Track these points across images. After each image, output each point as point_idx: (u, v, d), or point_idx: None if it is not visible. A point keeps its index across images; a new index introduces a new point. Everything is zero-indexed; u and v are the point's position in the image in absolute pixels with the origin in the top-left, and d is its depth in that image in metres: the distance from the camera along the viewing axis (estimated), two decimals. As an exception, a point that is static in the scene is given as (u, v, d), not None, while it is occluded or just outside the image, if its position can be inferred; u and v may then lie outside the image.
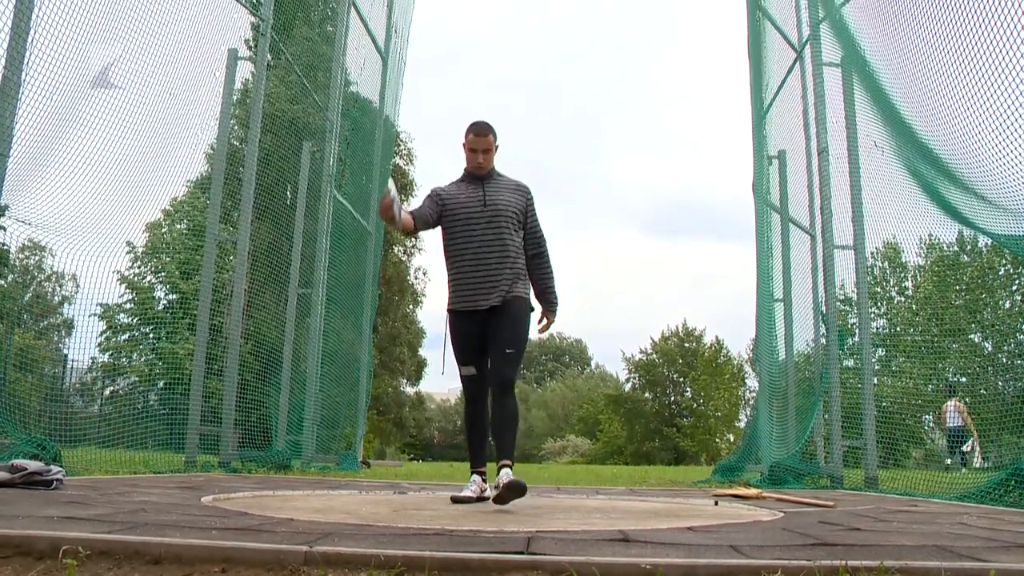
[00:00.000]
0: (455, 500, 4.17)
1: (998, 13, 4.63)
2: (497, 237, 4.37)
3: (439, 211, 4.47)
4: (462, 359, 4.46)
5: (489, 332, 4.36)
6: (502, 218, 4.40)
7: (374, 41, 11.92)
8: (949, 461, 10.07)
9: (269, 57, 8.75)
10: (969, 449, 10.44)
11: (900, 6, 6.08)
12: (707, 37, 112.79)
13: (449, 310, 4.50)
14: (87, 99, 6.16)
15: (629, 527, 2.88)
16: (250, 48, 8.95)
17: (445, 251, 4.49)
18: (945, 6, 5.25)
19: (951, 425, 10.50)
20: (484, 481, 4.34)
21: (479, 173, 4.51)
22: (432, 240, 41.92)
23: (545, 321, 4.66)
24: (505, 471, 4.04)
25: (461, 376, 4.47)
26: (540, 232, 4.64)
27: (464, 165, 4.56)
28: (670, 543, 2.36)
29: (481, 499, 4.23)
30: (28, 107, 5.36)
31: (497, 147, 4.53)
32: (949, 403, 10.44)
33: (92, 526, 2.31)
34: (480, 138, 4.45)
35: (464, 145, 4.50)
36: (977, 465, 10.10)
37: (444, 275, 4.58)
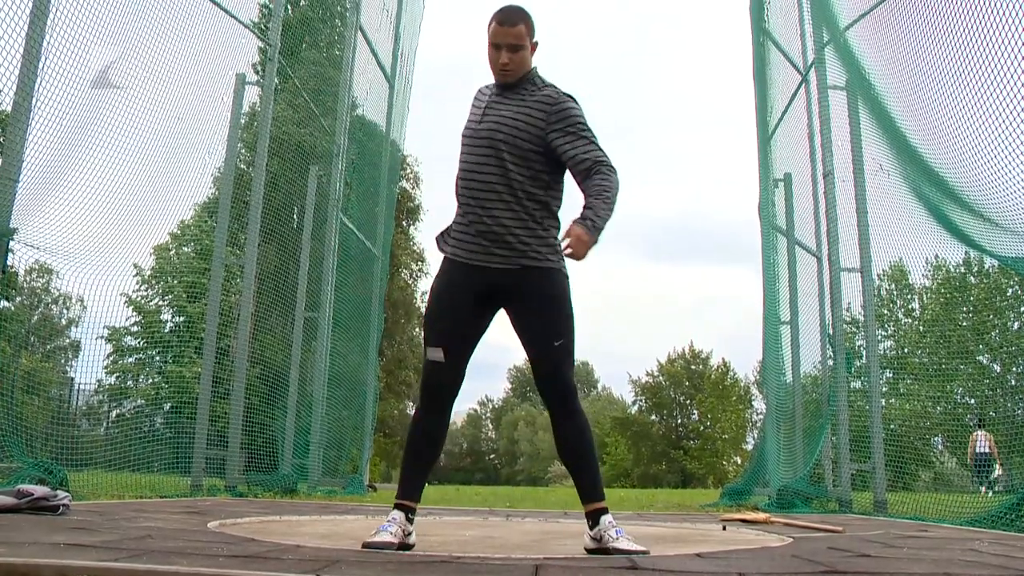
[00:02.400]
0: (367, 546, 2.78)
1: (1002, 35, 4.64)
2: (497, 172, 3.03)
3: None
4: (434, 334, 3.07)
5: (516, 321, 3.09)
6: (497, 144, 3.04)
7: (380, 65, 11.99)
8: (984, 489, 10.41)
9: (277, 81, 8.82)
10: (996, 476, 10.79)
11: (903, 30, 6.11)
12: (711, 60, 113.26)
13: (446, 256, 3.16)
14: (96, 123, 6.21)
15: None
16: (257, 73, 9.02)
17: None
18: (949, 29, 5.28)
19: (979, 451, 10.77)
20: (410, 521, 2.97)
21: (505, 80, 3.12)
22: (437, 264, 41.79)
23: (571, 238, 2.92)
24: (608, 521, 2.94)
25: (425, 361, 3.08)
26: (589, 157, 3.03)
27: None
28: (678, 571, 2.34)
29: (403, 546, 2.86)
30: (38, 132, 5.41)
31: (535, 45, 3.13)
32: (979, 432, 10.70)
33: (98, 553, 2.30)
34: (505, 29, 3.05)
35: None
36: (999, 490, 10.39)
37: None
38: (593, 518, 2.98)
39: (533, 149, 3.04)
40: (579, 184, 3.08)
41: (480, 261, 3.05)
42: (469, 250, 3.07)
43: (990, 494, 9.89)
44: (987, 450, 10.85)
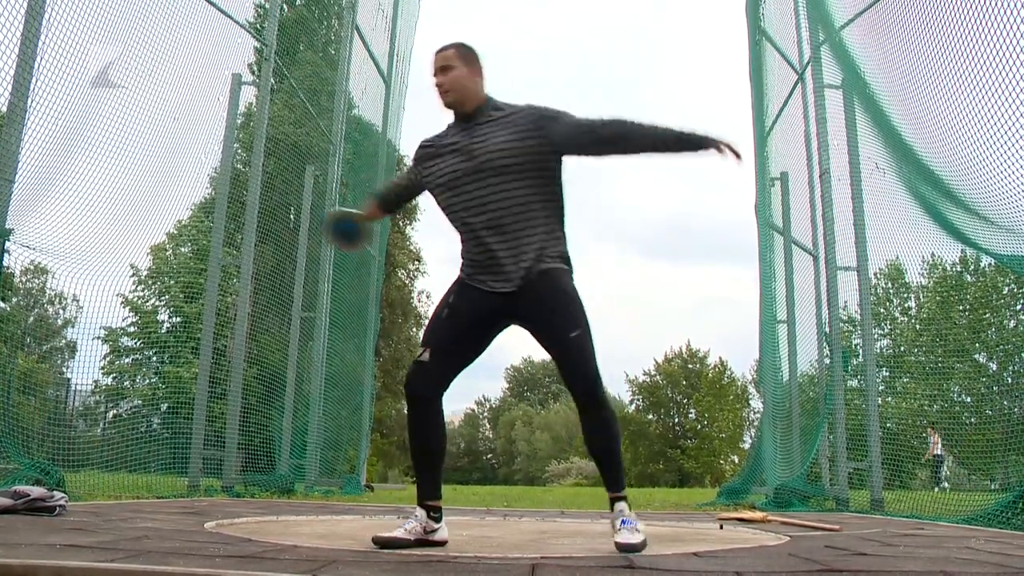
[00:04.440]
0: (377, 541, 2.87)
1: (996, 33, 4.65)
2: (495, 200, 3.08)
3: (418, 172, 3.30)
4: (425, 336, 3.15)
5: (531, 327, 3.13)
6: (496, 172, 3.07)
7: (376, 65, 11.99)
8: (947, 485, 10.88)
9: (273, 81, 8.81)
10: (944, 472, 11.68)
11: (899, 29, 6.11)
12: (708, 59, 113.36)
13: (458, 278, 3.22)
14: (92, 124, 6.21)
15: (634, 553, 2.86)
16: (254, 73, 9.01)
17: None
18: (944, 28, 5.29)
19: (937, 453, 11.16)
20: (434, 519, 3.06)
21: (457, 109, 3.19)
22: (434, 264, 41.75)
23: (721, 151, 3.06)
24: (618, 509, 3.02)
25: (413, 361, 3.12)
26: (588, 127, 3.09)
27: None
28: (675, 570, 2.34)
29: (422, 542, 2.97)
30: (33, 133, 5.40)
31: (480, 70, 3.21)
32: (937, 437, 11.03)
33: (95, 554, 2.30)
34: (437, 55, 3.20)
35: None
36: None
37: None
38: (610, 506, 3.07)
39: (541, 165, 3.16)
40: (595, 148, 3.13)
41: (496, 287, 3.15)
42: (483, 281, 3.19)
43: (948, 487, 10.34)
44: (941, 452, 11.29)
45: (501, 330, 3.23)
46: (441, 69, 3.15)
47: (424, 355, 3.08)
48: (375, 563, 2.34)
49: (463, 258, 3.21)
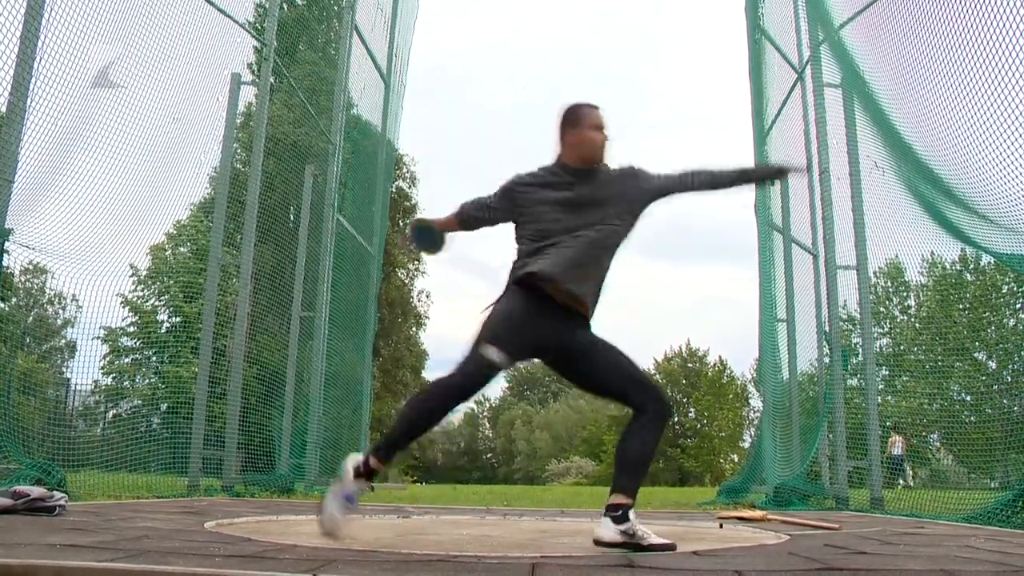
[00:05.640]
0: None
1: (995, 32, 4.66)
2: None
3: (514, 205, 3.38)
4: None
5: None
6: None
7: (376, 64, 11.98)
8: (902, 483, 11.53)
9: (272, 80, 8.80)
10: (907, 472, 12.36)
11: (897, 28, 6.11)
12: (707, 58, 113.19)
13: None
14: (92, 124, 6.20)
15: (634, 552, 2.87)
16: (253, 72, 9.01)
17: None
18: (943, 27, 5.29)
19: (895, 454, 11.62)
20: (368, 480, 3.17)
21: (595, 162, 3.31)
22: (433, 264, 41.69)
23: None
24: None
25: None
26: (665, 181, 3.36)
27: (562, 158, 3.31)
28: (675, 568, 2.34)
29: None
30: (33, 133, 5.39)
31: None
32: (897, 438, 11.41)
33: (95, 554, 2.30)
34: (597, 111, 3.30)
35: (574, 131, 3.26)
36: (911, 484, 12.01)
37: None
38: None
39: None
40: (685, 188, 3.37)
41: None
42: None
43: (901, 484, 10.82)
44: (900, 452, 11.72)
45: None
46: (602, 128, 3.28)
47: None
48: (375, 562, 2.35)
49: None
